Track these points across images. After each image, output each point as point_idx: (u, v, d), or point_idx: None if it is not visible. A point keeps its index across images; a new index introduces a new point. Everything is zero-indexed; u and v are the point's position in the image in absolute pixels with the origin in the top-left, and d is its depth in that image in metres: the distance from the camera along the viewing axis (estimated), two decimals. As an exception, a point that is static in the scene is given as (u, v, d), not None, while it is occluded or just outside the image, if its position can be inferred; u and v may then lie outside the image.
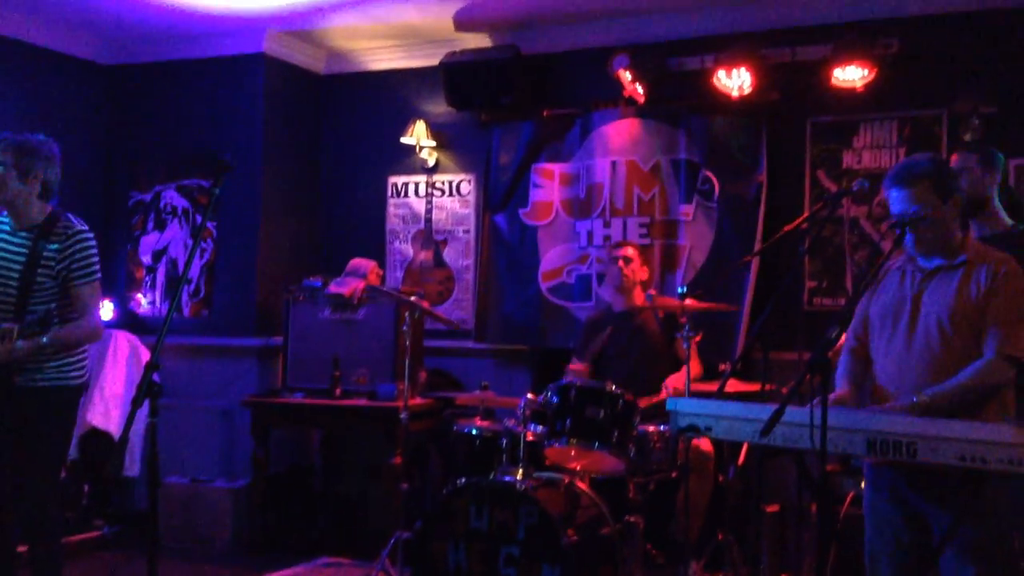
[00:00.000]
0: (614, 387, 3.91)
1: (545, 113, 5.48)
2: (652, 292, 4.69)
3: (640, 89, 5.15)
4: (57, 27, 5.66)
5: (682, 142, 5.18)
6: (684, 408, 2.89)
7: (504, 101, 5.45)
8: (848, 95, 4.82)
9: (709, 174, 5.11)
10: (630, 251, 4.73)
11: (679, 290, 4.18)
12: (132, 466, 5.44)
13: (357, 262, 5.55)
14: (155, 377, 2.56)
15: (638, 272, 4.75)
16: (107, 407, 5.41)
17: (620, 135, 5.28)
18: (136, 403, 2.54)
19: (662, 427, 3.97)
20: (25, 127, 5.25)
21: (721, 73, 4.90)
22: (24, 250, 3.45)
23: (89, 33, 5.82)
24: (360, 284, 5.38)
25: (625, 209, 5.24)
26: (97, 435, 5.30)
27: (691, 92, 5.16)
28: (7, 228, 3.51)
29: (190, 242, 5.87)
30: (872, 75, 4.72)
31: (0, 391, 3.41)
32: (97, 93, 6.03)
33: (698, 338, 4.15)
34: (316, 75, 6.08)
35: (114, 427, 5.40)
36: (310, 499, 5.61)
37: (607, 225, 5.27)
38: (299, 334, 5.43)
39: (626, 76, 5.11)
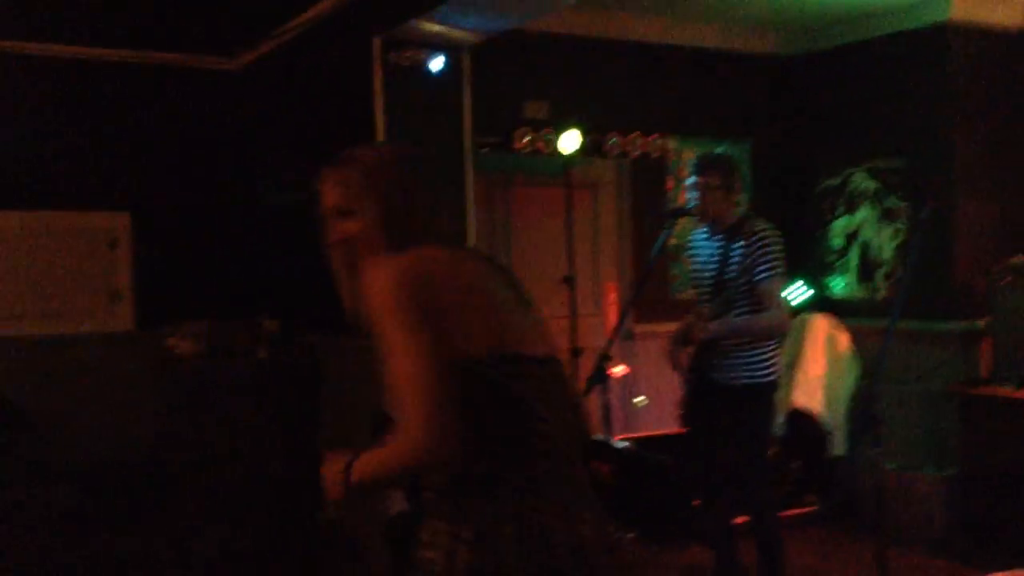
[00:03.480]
0: None
1: None
2: None
3: None
4: (734, 30, 6.08)
5: None
6: None
7: None
8: None
9: None
10: None
11: None
12: (839, 445, 5.65)
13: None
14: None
15: None
16: (809, 388, 5.71)
17: None
18: (859, 427, 2.69)
19: None
20: (720, 130, 5.86)
21: None
22: (719, 252, 3.92)
23: (768, 30, 6.15)
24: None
25: None
26: (802, 415, 5.63)
27: None
28: (704, 236, 4.04)
29: (881, 224, 5.84)
30: None
31: (703, 388, 3.97)
32: (777, 84, 6.32)
33: None
34: (1011, 34, 5.52)
35: (816, 407, 5.67)
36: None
37: None
38: (1006, 318, 5.05)
39: None
